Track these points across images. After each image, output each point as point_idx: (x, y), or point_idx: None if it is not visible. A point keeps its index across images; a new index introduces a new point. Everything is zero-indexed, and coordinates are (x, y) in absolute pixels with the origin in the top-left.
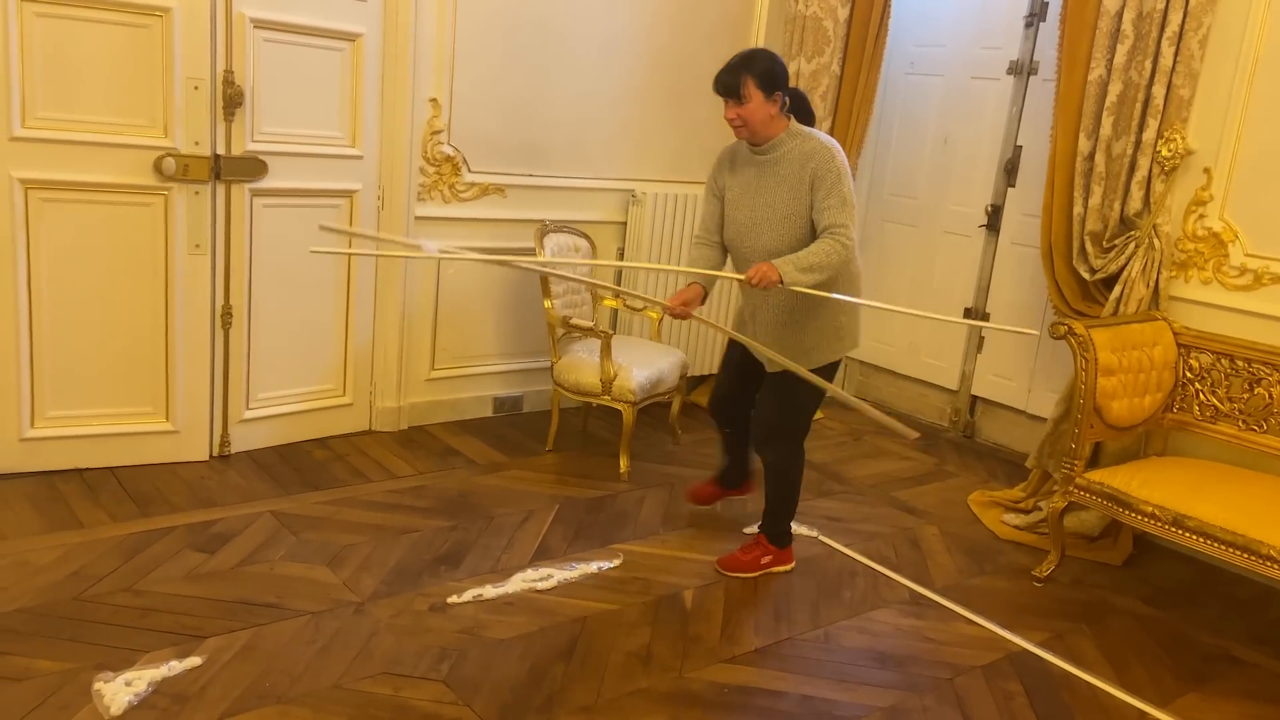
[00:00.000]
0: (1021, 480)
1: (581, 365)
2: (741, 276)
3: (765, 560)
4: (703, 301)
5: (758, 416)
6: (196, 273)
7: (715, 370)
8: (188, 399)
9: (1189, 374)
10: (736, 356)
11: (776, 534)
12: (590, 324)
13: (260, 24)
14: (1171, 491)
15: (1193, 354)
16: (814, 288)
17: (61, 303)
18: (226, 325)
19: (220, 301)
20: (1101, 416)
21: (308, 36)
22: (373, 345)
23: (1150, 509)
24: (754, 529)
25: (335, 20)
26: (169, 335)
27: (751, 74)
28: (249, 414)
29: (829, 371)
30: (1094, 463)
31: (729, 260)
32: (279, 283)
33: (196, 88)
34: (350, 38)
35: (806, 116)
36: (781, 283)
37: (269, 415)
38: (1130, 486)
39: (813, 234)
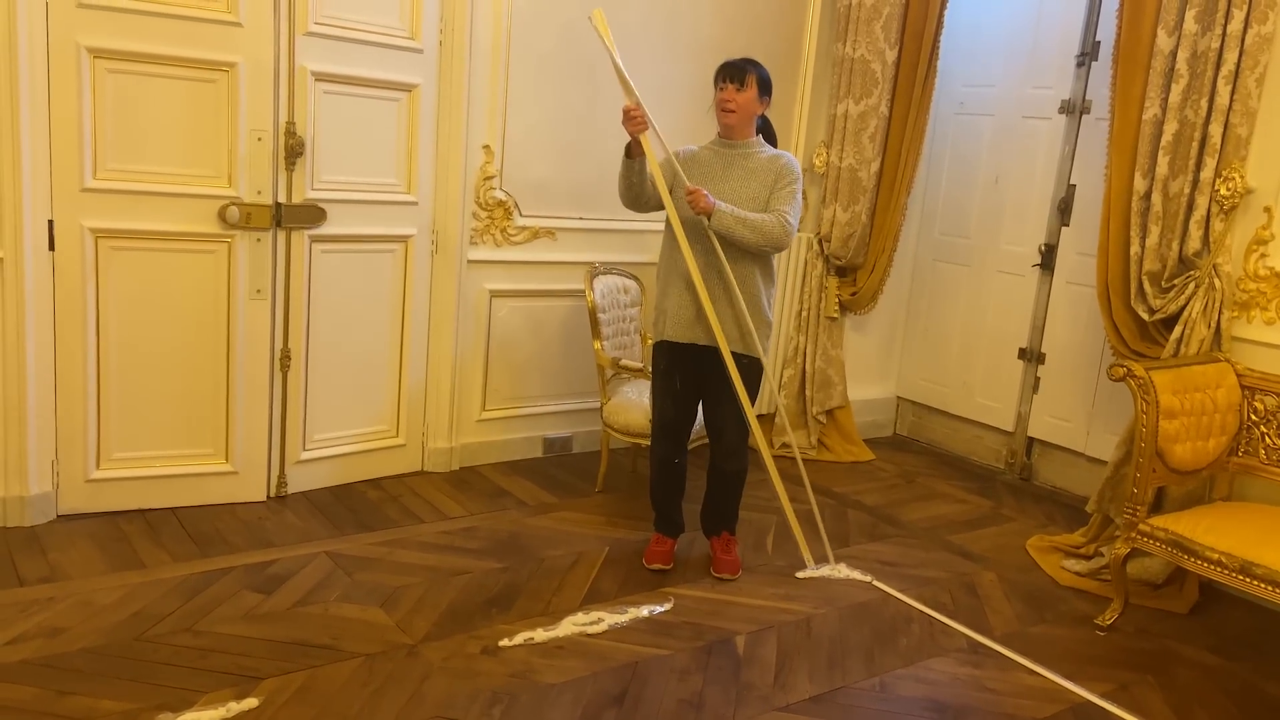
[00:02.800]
0: (1081, 525)
1: (631, 407)
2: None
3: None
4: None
5: (723, 431)
6: (257, 317)
7: (658, 408)
8: (247, 440)
9: (1254, 417)
10: (679, 381)
11: (735, 525)
12: (639, 365)
13: (321, 77)
14: (1238, 538)
15: (1257, 396)
16: (737, 242)
17: (128, 348)
18: (285, 368)
19: (279, 345)
20: (1164, 460)
21: (366, 88)
22: (425, 386)
23: (1216, 556)
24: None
25: (393, 72)
26: (230, 378)
27: (756, 73)
28: (305, 455)
29: (759, 369)
30: (1157, 507)
31: (667, 226)
32: (335, 326)
33: (260, 139)
34: (407, 88)
35: (770, 140)
36: (709, 216)
37: (325, 456)
38: (1195, 533)
39: None
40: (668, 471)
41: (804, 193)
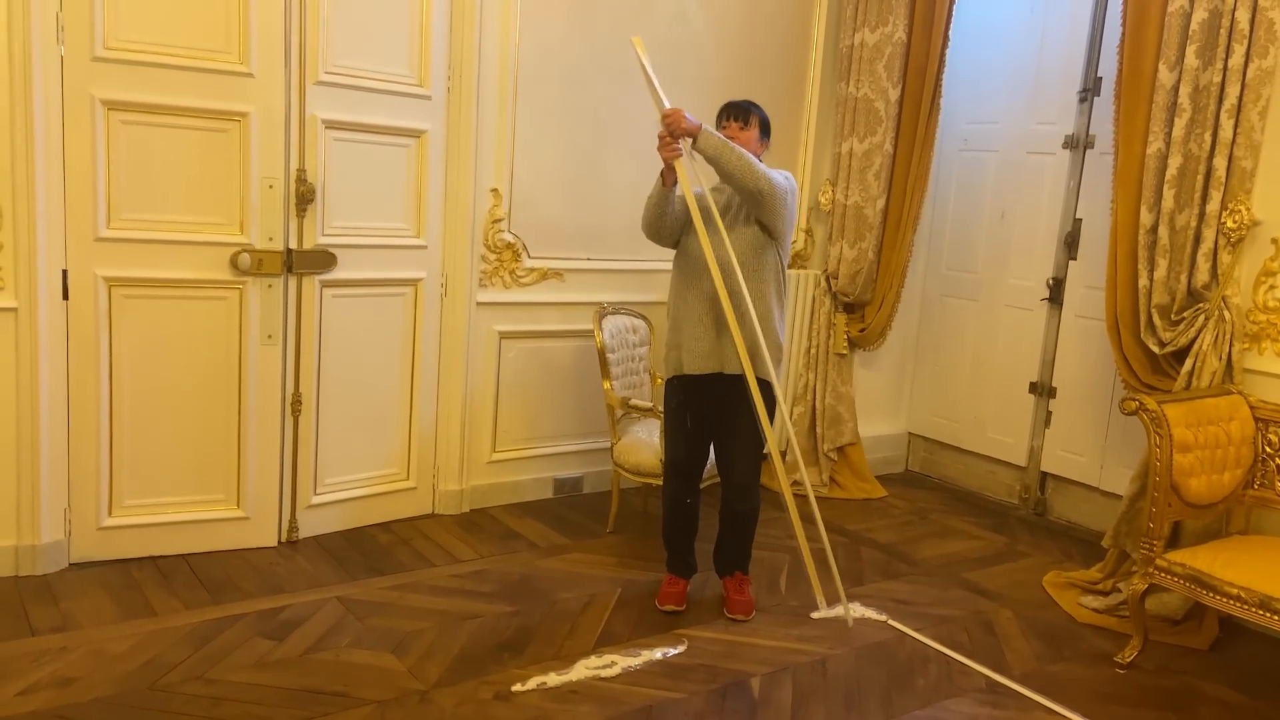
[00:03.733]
0: (1098, 560)
1: (641, 446)
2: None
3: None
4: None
5: (733, 469)
6: (268, 362)
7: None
8: (258, 486)
9: (1269, 449)
10: (690, 420)
11: (748, 564)
12: (649, 405)
13: (331, 125)
14: (1257, 572)
15: (1271, 428)
16: (723, 166)
17: (140, 395)
18: (296, 412)
19: (290, 390)
20: (1179, 494)
21: (376, 135)
22: (436, 429)
23: (1235, 591)
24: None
25: (402, 119)
26: (241, 424)
27: (758, 115)
28: (316, 499)
29: (771, 391)
30: (1174, 542)
31: (675, 264)
32: (346, 369)
33: (271, 186)
34: (416, 134)
35: None
36: (695, 138)
37: (336, 500)
38: (1213, 567)
39: (766, 240)
40: (680, 511)
41: (810, 230)
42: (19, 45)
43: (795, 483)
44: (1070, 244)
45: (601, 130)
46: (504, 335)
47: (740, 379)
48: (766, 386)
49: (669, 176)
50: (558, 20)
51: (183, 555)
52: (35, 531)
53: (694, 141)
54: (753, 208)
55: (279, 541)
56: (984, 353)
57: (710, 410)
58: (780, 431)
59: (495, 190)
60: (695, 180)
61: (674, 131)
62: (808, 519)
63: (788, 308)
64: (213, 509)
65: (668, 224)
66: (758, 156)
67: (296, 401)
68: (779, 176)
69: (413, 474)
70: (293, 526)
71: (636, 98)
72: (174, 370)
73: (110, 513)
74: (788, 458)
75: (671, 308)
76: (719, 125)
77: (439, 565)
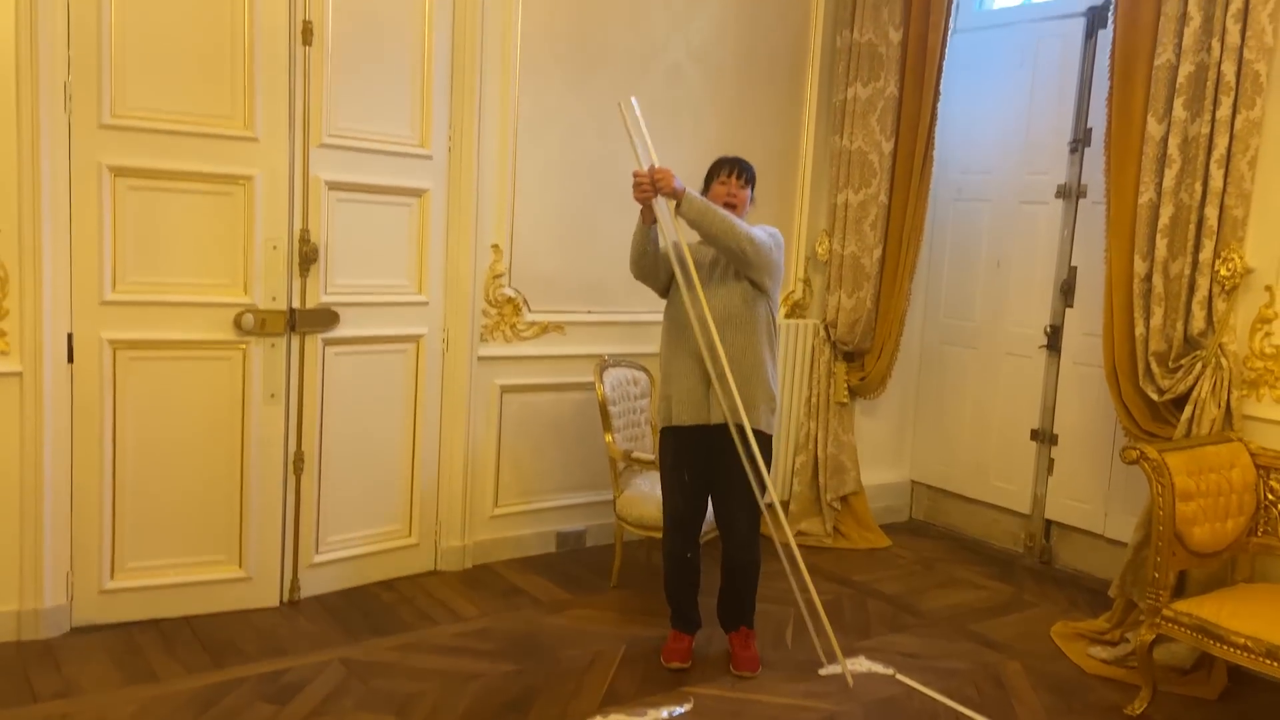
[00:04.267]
0: (1105, 609)
1: (644, 499)
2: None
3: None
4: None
5: (731, 522)
6: (271, 421)
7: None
8: (260, 546)
9: (1270, 496)
10: (687, 474)
11: (753, 618)
12: (651, 457)
13: (334, 186)
14: (1264, 620)
15: (1272, 475)
16: (707, 230)
17: (143, 456)
18: (298, 471)
19: (293, 448)
20: (1183, 543)
21: (378, 194)
22: (438, 484)
23: (1242, 640)
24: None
25: (404, 178)
26: (244, 483)
27: (752, 172)
28: (318, 558)
29: (768, 444)
30: (1180, 591)
31: (666, 316)
32: (348, 427)
33: (275, 247)
34: (417, 193)
35: None
36: (679, 202)
37: (338, 559)
38: (1220, 617)
39: (756, 293)
40: (681, 567)
41: (808, 280)
42: (27, 113)
43: (799, 533)
44: (1066, 291)
45: (600, 184)
46: (505, 389)
47: (740, 429)
48: (764, 438)
49: (647, 215)
50: (556, 79)
51: (185, 617)
52: (38, 596)
53: (678, 206)
54: (738, 266)
55: (281, 602)
56: (984, 400)
57: (707, 462)
58: (782, 485)
59: (496, 246)
60: (673, 229)
61: (661, 190)
62: (813, 570)
63: (780, 358)
64: (214, 570)
65: (650, 262)
66: (744, 209)
67: (299, 460)
68: (762, 234)
69: (415, 530)
70: (294, 586)
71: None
72: (177, 431)
73: (112, 575)
74: (791, 508)
75: (662, 359)
76: (716, 178)
77: (442, 623)
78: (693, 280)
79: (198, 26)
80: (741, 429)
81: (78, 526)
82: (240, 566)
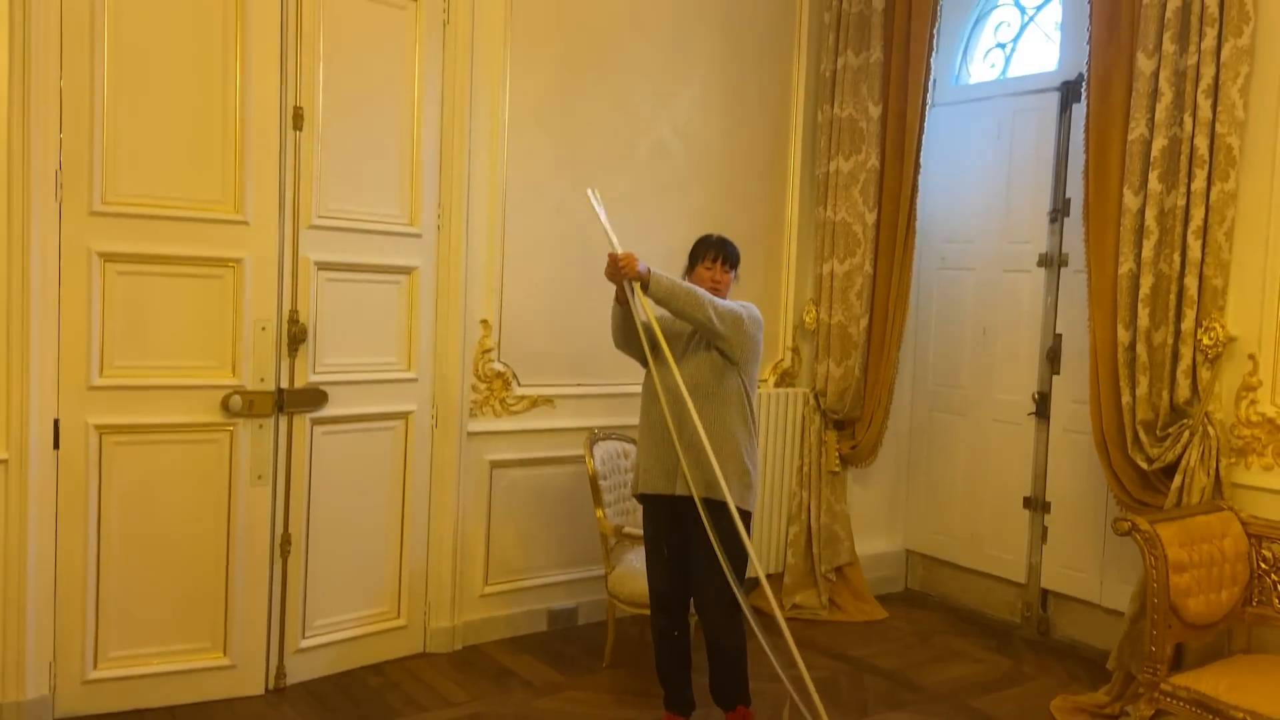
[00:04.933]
0: (1105, 680)
1: (636, 575)
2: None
3: None
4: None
5: (706, 600)
6: (258, 504)
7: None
8: (245, 633)
9: (1263, 565)
10: (666, 548)
11: (748, 695)
12: (641, 532)
13: (324, 266)
14: (1262, 694)
15: (1264, 544)
16: (678, 309)
17: (128, 542)
18: (285, 554)
19: (280, 530)
20: (1179, 616)
21: (368, 273)
22: (427, 564)
23: (1241, 715)
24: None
25: (393, 257)
26: (229, 568)
27: (736, 253)
28: (305, 643)
29: (745, 520)
30: (1178, 662)
31: (644, 385)
32: (336, 507)
33: (264, 328)
34: (407, 271)
35: None
36: (646, 285)
37: (324, 643)
38: (1218, 690)
39: (726, 364)
40: (670, 646)
41: (796, 348)
42: (18, 201)
43: (794, 605)
44: (1052, 359)
45: (588, 258)
46: (495, 464)
47: (705, 504)
48: (739, 512)
49: (620, 295)
50: (544, 156)
51: (168, 707)
52: (20, 687)
53: (645, 288)
54: (710, 338)
55: (266, 689)
56: (976, 467)
57: (683, 537)
58: (777, 558)
59: (485, 321)
60: (640, 309)
61: (627, 275)
62: (805, 644)
63: (759, 431)
64: (198, 658)
65: (627, 335)
66: (729, 288)
67: (285, 542)
68: (738, 308)
69: (403, 612)
70: (280, 673)
71: (623, 224)
72: (162, 516)
73: (96, 665)
74: (785, 580)
75: (640, 427)
76: (700, 261)
77: (430, 709)
78: (661, 351)
79: (190, 113)
80: (708, 502)
81: (61, 615)
82: (225, 654)
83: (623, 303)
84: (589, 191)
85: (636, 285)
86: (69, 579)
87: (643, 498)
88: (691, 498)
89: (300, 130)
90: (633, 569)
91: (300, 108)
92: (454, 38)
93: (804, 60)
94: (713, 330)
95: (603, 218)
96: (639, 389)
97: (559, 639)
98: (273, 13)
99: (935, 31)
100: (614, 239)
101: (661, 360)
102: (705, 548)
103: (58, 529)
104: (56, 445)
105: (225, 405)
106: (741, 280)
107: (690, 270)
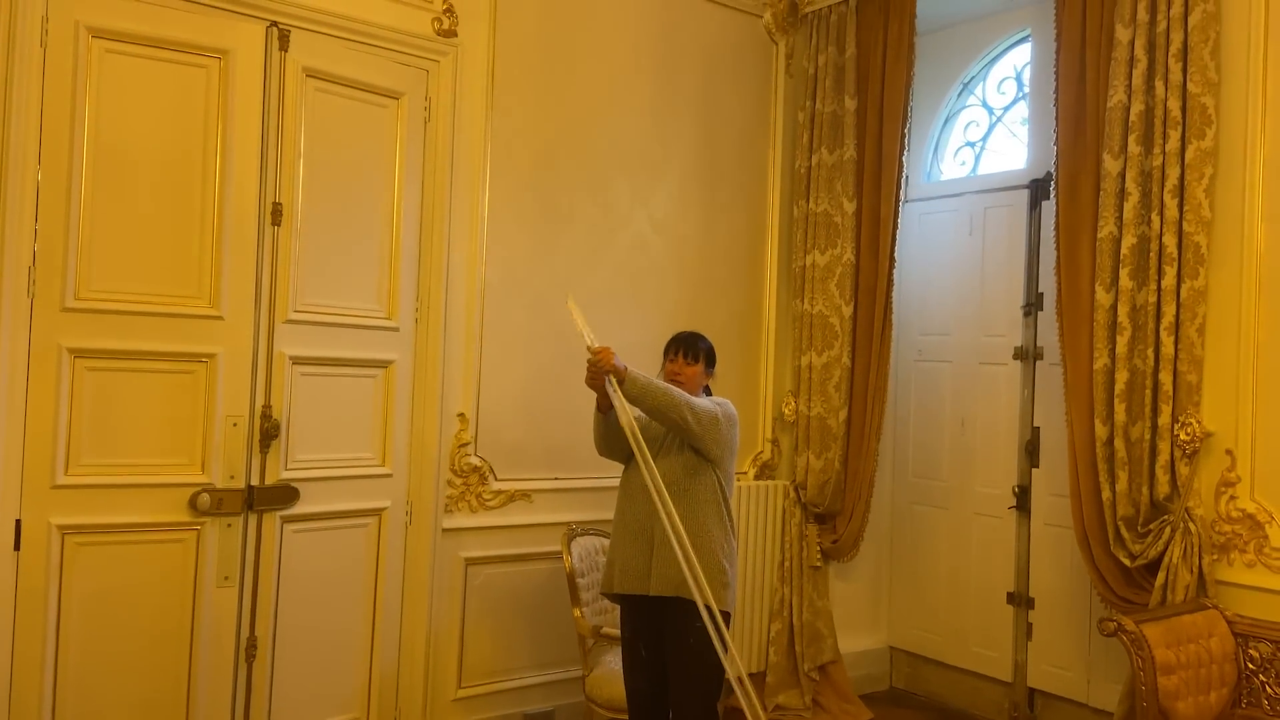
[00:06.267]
0: None
1: (615, 678)
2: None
3: None
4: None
5: (680, 710)
6: (223, 606)
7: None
8: None
9: (1251, 665)
10: (643, 649)
11: None
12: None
13: (299, 360)
14: None
15: (1251, 644)
16: (651, 408)
17: (88, 651)
18: (250, 658)
19: (245, 634)
20: (1168, 719)
21: (343, 367)
22: (398, 666)
23: None
24: None
25: (370, 351)
26: (192, 676)
27: (706, 349)
28: None
29: (724, 619)
30: None
31: (621, 482)
32: (305, 608)
33: (235, 424)
34: (383, 364)
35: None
36: (622, 382)
37: None
38: None
39: (700, 462)
40: None
41: (776, 440)
42: None
43: (776, 707)
44: (1031, 452)
45: (565, 351)
46: (470, 561)
47: (679, 604)
48: (712, 613)
49: (602, 403)
50: (523, 250)
51: None
52: None
53: (621, 384)
54: (683, 437)
55: None
56: (958, 562)
57: (660, 639)
58: (759, 658)
59: (462, 414)
60: (625, 408)
61: (602, 369)
62: None
63: (737, 530)
64: None
65: (609, 443)
66: (703, 387)
67: (251, 646)
68: (711, 406)
69: (373, 716)
70: None
71: (600, 318)
72: (124, 621)
73: None
74: (768, 679)
75: (614, 523)
76: (666, 358)
77: None
78: (641, 449)
79: (168, 208)
80: (682, 601)
81: None
82: None
83: (605, 410)
84: (568, 302)
85: (614, 381)
86: (24, 694)
87: (617, 597)
88: (660, 598)
89: (279, 226)
90: (611, 671)
91: (279, 203)
92: (435, 135)
93: (779, 157)
94: (689, 431)
95: (582, 327)
96: (617, 483)
97: None
98: (254, 109)
99: (907, 130)
100: (592, 340)
101: (637, 460)
102: (677, 650)
103: (14, 639)
104: (17, 547)
105: (193, 504)
106: (720, 372)
107: (662, 367)
